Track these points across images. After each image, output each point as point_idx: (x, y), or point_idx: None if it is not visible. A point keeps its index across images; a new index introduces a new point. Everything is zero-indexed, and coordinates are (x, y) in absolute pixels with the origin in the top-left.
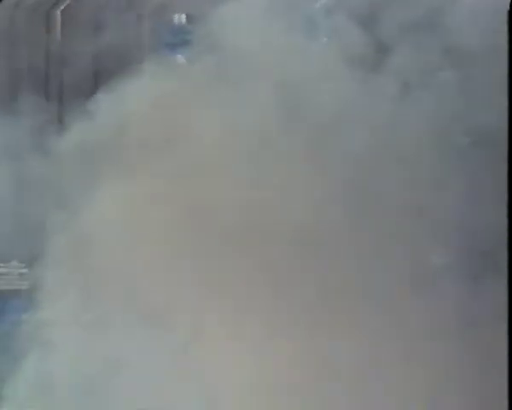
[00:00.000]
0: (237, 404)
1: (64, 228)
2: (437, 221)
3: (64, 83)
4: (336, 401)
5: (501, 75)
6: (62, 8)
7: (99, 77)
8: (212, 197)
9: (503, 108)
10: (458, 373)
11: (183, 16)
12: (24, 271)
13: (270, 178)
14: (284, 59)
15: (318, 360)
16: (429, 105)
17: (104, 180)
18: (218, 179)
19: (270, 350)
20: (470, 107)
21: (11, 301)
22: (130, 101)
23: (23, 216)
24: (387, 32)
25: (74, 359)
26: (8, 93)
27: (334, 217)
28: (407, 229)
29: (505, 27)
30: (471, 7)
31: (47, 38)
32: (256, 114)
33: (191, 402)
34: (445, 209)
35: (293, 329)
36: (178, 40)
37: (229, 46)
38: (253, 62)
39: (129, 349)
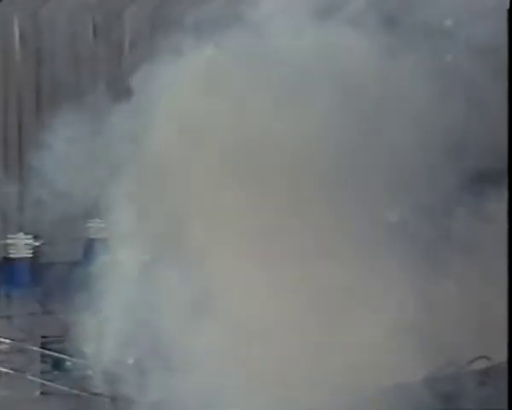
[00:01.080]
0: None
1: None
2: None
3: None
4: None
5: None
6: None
7: None
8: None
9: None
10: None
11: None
12: (103, 225)
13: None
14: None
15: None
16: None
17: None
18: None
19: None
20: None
21: (95, 248)
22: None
23: (101, 183)
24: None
25: (137, 287)
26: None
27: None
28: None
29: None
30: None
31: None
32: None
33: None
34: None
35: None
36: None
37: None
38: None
39: (173, 281)
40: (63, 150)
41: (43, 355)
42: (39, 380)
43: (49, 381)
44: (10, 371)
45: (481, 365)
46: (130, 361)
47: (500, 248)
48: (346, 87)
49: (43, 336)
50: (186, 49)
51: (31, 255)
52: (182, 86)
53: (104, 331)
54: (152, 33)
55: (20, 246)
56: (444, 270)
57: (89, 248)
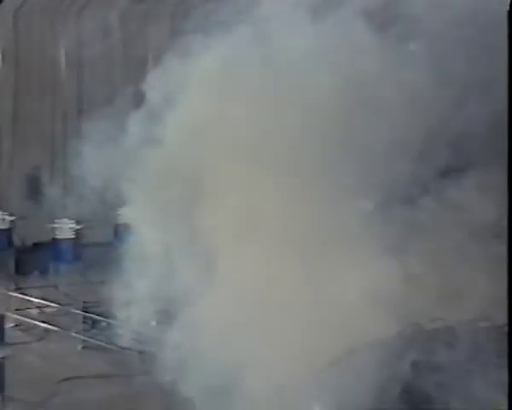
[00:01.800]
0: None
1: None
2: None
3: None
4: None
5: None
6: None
7: None
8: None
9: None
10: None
11: None
12: (130, 213)
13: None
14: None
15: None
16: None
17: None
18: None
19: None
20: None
21: (124, 231)
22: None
23: (128, 180)
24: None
25: (158, 262)
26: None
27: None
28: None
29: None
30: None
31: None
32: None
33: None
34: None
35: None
36: None
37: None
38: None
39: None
40: (98, 153)
41: (84, 317)
42: (81, 337)
43: (89, 337)
44: (58, 330)
45: (439, 324)
46: (153, 323)
47: (461, 231)
48: (344, 83)
49: (84, 302)
50: (196, 51)
51: (73, 237)
52: (192, 87)
53: (132, 298)
54: (170, 41)
55: (65, 229)
56: (412, 248)
57: (119, 231)
